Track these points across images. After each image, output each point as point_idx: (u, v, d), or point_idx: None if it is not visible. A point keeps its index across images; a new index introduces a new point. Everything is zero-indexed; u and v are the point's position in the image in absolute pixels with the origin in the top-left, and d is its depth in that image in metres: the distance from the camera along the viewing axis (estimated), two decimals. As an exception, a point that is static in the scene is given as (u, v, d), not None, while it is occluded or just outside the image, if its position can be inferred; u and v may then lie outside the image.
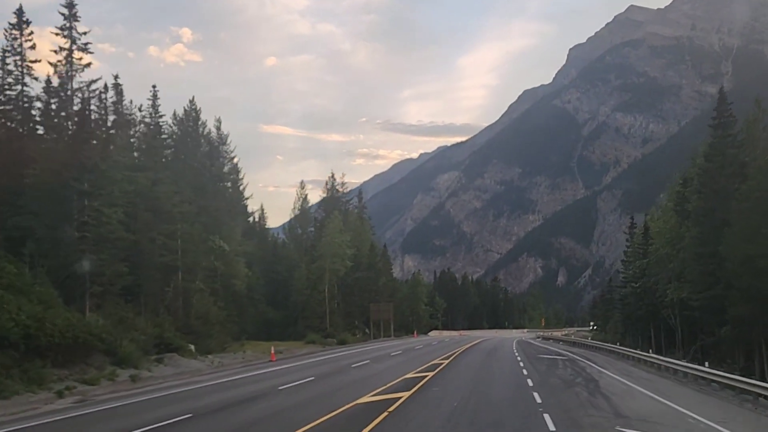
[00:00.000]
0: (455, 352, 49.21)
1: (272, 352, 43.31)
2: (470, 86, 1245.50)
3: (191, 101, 74.09)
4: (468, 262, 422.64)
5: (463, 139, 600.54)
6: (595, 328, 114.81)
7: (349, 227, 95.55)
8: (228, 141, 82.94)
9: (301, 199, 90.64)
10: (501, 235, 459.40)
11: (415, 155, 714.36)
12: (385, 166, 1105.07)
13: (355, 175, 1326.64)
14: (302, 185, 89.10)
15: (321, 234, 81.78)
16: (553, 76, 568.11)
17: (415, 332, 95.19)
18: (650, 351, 53.88)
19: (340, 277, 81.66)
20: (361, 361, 39.86)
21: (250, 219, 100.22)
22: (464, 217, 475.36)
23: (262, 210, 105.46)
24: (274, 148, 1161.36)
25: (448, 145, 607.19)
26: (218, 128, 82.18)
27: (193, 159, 70.28)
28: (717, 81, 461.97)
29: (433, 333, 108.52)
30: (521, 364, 39.57)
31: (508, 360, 43.45)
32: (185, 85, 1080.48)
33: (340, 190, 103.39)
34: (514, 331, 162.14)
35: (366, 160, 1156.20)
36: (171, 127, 70.93)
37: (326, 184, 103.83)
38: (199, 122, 74.52)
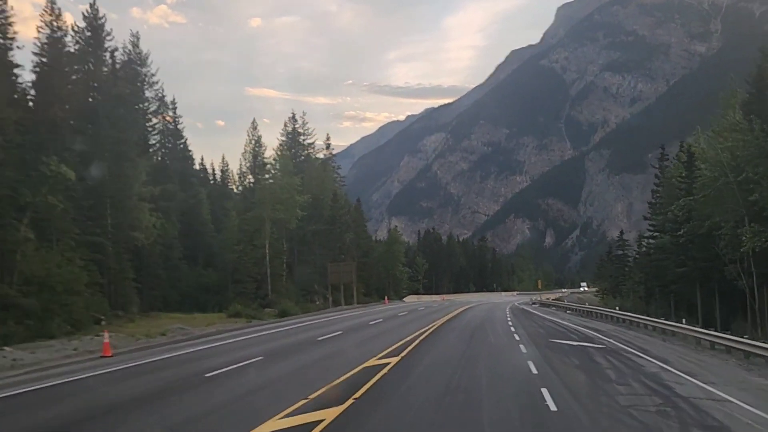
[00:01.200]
0: (420, 335, 31.04)
1: (105, 341, 24.98)
2: (457, 47, 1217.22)
3: (92, 4, 54.66)
4: (455, 224, 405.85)
5: (450, 100, 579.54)
6: (602, 294, 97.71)
7: (309, 175, 77.40)
8: (149, 62, 64.04)
9: (253, 142, 71.37)
10: (488, 196, 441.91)
11: (402, 117, 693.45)
12: (372, 128, 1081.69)
13: (342, 137, 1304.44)
14: (254, 125, 68.70)
15: (262, 177, 62.89)
16: (541, 35, 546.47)
17: (387, 298, 76.38)
18: (697, 325, 36.41)
19: (291, 230, 63.51)
20: (241, 362, 21.42)
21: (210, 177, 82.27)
22: (451, 178, 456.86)
23: (224, 166, 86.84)
24: (260, 111, 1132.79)
25: (435, 106, 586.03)
26: (135, 45, 63.19)
27: (91, 77, 51.51)
28: (706, 39, 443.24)
29: (410, 298, 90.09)
30: (533, 369, 20.28)
31: (505, 357, 24.01)
32: (170, 47, 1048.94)
33: (302, 131, 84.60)
34: (503, 294, 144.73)
35: (353, 122, 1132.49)
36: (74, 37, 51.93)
37: (285, 125, 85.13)
38: (104, 33, 55.28)
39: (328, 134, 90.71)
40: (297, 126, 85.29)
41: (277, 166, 62.59)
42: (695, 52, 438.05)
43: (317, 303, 66.58)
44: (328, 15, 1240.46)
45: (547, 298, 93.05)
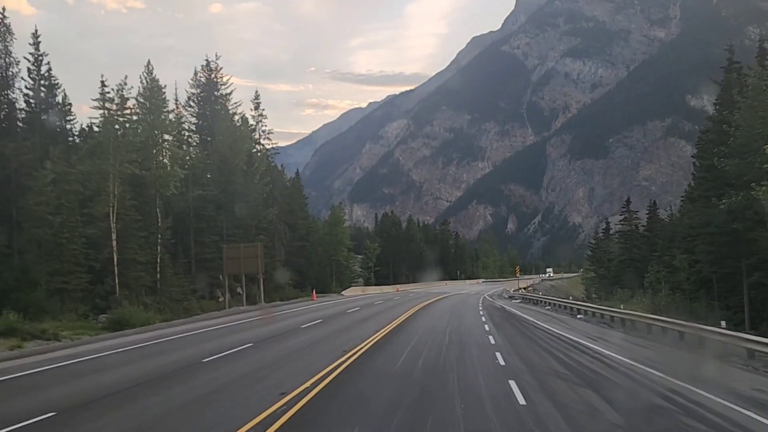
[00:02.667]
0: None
1: None
2: (419, 35, 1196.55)
3: None
4: (417, 210, 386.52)
5: (412, 87, 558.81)
6: (592, 287, 78.97)
7: (218, 131, 56.74)
8: None
9: (147, 80, 49.25)
10: (450, 182, 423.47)
11: (364, 105, 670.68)
12: (335, 116, 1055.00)
13: (305, 125, 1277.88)
14: (149, 67, 46.93)
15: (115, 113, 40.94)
16: (502, 22, 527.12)
17: (315, 293, 55.17)
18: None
19: (168, 199, 42.75)
20: None
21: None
22: (413, 165, 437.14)
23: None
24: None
25: (397, 93, 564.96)
26: None
27: None
28: (665, 25, 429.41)
29: (352, 291, 68.11)
30: None
31: None
32: (128, 33, 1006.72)
33: (217, 79, 63.50)
34: (467, 282, 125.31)
35: (315, 110, 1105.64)
36: None
37: (196, 73, 63.96)
38: None
39: (257, 92, 67.48)
40: (214, 76, 64.26)
41: (147, 105, 41.51)
42: (654, 38, 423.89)
43: (220, 300, 46.43)
44: (289, 1, 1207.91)
45: (526, 289, 73.72)
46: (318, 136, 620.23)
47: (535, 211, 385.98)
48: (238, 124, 62.36)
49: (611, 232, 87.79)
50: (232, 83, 63.98)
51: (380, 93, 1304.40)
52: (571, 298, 54.99)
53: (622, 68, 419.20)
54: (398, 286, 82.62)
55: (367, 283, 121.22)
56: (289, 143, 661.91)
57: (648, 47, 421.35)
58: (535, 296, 48.12)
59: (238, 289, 49.26)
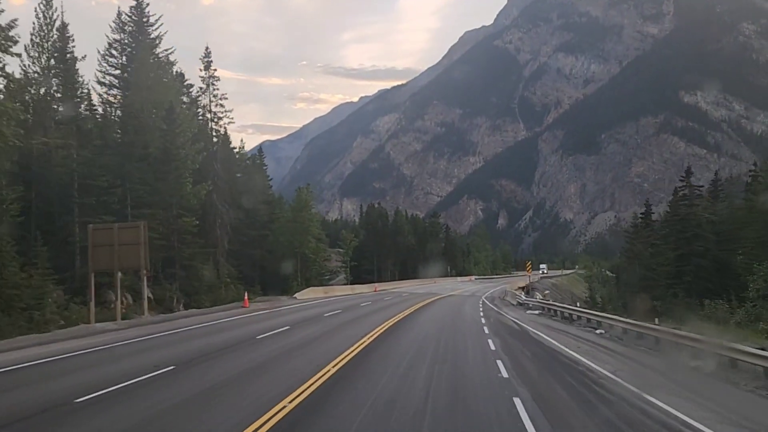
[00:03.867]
0: None
1: None
2: (411, 29, 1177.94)
3: None
4: (408, 205, 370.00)
5: (404, 82, 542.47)
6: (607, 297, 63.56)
7: (138, 76, 41.65)
8: None
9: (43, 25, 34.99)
10: (441, 177, 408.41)
11: (356, 99, 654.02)
12: (326, 110, 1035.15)
13: (296, 119, 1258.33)
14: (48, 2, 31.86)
15: None
16: (495, 16, 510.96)
17: (246, 298, 38.27)
18: None
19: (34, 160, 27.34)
20: None
21: None
22: (404, 159, 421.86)
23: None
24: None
25: (389, 88, 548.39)
26: None
27: None
28: (659, 21, 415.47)
29: (309, 293, 48.91)
30: None
31: None
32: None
33: (146, 20, 48.34)
34: (458, 279, 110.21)
35: (307, 104, 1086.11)
36: None
37: (120, 15, 48.69)
38: None
39: (207, 47, 51.78)
40: (143, 17, 49.06)
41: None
42: (648, 34, 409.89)
43: (112, 307, 31.34)
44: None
45: (519, 288, 58.64)
46: (309, 130, 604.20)
47: (526, 207, 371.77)
48: (166, 80, 46.83)
49: (653, 217, 70.75)
50: (161, 24, 48.45)
51: (372, 87, 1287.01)
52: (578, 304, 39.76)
53: (615, 64, 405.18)
54: (377, 284, 66.82)
55: (355, 283, 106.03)
56: (280, 137, 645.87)
57: (641, 43, 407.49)
58: (564, 307, 31.45)
59: (146, 289, 33.88)
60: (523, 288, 62.14)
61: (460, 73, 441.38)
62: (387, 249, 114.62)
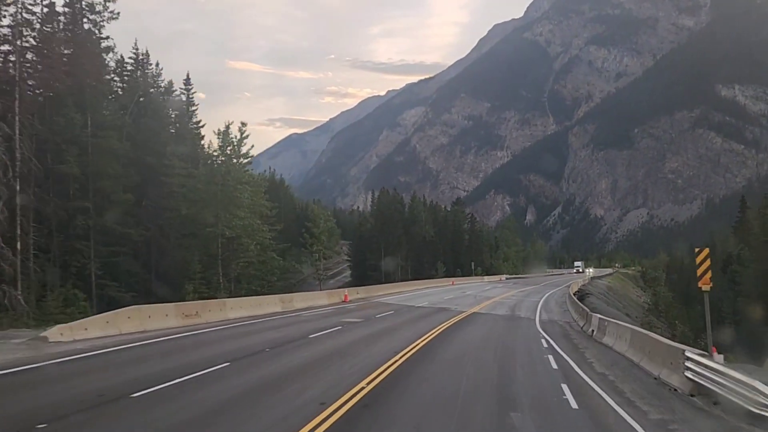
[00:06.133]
0: None
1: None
2: (441, 23, 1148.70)
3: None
4: (433, 200, 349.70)
5: (432, 75, 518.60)
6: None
7: None
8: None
9: None
10: (468, 171, 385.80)
11: (383, 93, 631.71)
12: (353, 104, 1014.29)
13: (323, 113, 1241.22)
14: None
15: None
16: (525, 9, 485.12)
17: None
18: None
19: None
20: None
21: None
22: (430, 153, 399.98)
23: None
24: (240, 84, 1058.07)
25: (416, 81, 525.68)
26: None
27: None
28: (695, 13, 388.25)
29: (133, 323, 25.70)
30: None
31: None
32: (146, 16, 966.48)
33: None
34: (486, 279, 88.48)
35: (335, 98, 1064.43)
36: None
37: None
38: None
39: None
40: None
41: None
42: (683, 27, 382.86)
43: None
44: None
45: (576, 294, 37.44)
46: (335, 123, 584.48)
47: (555, 203, 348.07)
48: None
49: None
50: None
51: (400, 82, 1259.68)
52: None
53: (649, 57, 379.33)
54: (360, 289, 42.64)
55: (358, 281, 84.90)
56: (306, 130, 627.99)
57: (676, 36, 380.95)
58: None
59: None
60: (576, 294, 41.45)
61: (489, 65, 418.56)
62: (400, 242, 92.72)
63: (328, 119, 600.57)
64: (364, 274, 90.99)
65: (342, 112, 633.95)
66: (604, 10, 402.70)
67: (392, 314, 27.65)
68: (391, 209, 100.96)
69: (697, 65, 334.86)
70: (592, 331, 20.88)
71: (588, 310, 23.59)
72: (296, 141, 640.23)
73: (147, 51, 42.32)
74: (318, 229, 56.21)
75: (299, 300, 29.77)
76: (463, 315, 28.34)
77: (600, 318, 20.23)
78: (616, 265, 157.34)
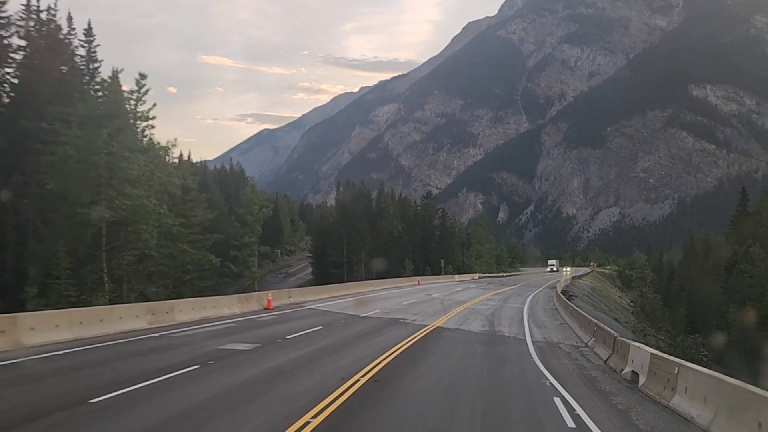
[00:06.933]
0: None
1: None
2: (414, 20, 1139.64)
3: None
4: (406, 196, 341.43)
5: (405, 73, 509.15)
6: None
7: None
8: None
9: None
10: (440, 169, 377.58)
11: (356, 90, 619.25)
12: (326, 101, 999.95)
13: (296, 109, 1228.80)
14: None
15: None
16: (499, 7, 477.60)
17: None
18: None
19: None
20: None
21: None
22: (403, 150, 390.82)
23: None
24: (213, 79, 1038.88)
25: (389, 78, 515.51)
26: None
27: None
28: (667, 14, 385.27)
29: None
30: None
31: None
32: (119, 9, 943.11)
33: None
34: (457, 278, 79.58)
35: (307, 94, 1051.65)
36: None
37: None
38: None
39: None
40: None
41: None
42: (656, 26, 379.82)
43: None
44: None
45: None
46: (307, 119, 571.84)
47: (527, 201, 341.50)
48: None
49: None
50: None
51: (373, 79, 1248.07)
52: None
53: (622, 57, 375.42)
54: (300, 290, 32.60)
55: (320, 279, 76.43)
56: (278, 126, 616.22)
57: (649, 36, 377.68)
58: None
59: None
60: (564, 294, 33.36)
61: (462, 63, 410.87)
62: (362, 236, 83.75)
63: (300, 115, 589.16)
64: (326, 272, 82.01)
65: (314, 108, 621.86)
66: (578, 9, 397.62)
67: (315, 333, 18.46)
68: (356, 203, 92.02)
69: (669, 65, 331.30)
70: (635, 374, 12.01)
71: (616, 334, 14.63)
72: (268, 137, 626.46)
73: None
74: (252, 217, 46.63)
75: (187, 309, 20.37)
76: (422, 333, 19.26)
77: (653, 354, 11.21)
78: (593, 264, 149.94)
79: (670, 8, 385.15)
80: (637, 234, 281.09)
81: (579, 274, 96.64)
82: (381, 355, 14.05)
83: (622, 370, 12.92)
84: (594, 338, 17.24)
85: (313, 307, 28.36)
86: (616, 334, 14.51)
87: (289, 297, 30.08)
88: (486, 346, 17.22)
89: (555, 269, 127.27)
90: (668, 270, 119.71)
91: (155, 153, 29.88)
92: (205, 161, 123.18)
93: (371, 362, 13.01)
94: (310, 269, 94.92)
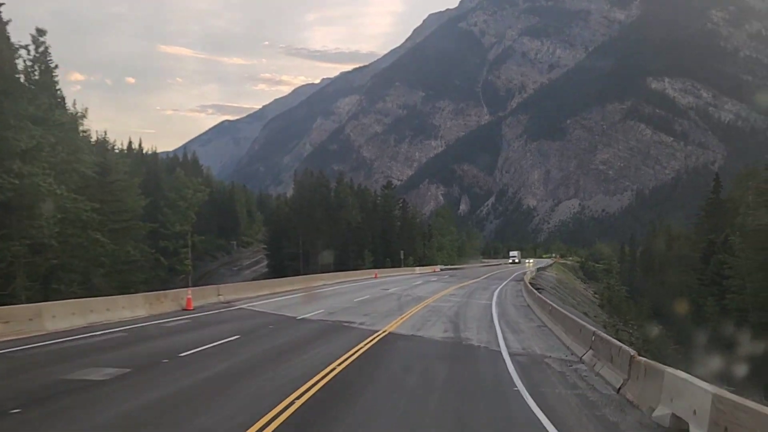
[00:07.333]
0: None
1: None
2: (376, 12, 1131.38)
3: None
4: (367, 187, 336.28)
5: (367, 64, 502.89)
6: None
7: None
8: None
9: None
10: (402, 160, 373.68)
11: (317, 81, 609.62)
12: (288, 92, 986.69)
13: (257, 100, 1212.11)
14: None
15: None
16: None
17: None
18: None
19: None
20: None
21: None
22: (364, 141, 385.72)
23: None
24: (172, 69, 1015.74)
25: (350, 70, 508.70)
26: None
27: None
28: (626, 7, 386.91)
29: None
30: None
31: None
32: None
33: None
34: (417, 270, 75.38)
35: (268, 85, 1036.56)
36: None
37: None
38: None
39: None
40: None
41: None
42: (615, 20, 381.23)
43: None
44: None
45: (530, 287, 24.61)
46: (268, 110, 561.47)
47: (488, 193, 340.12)
48: None
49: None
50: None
51: (335, 70, 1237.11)
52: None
53: (581, 49, 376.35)
54: (235, 286, 27.79)
55: (275, 272, 71.84)
56: (238, 117, 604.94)
57: (608, 29, 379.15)
58: None
59: None
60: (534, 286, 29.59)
61: (424, 55, 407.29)
62: (321, 226, 78.86)
63: (261, 106, 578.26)
64: (282, 264, 77.15)
65: (275, 100, 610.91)
66: (538, 1, 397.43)
67: (225, 347, 13.80)
68: (314, 192, 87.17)
69: (628, 58, 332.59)
70: (678, 421, 7.72)
71: (631, 351, 10.36)
72: (229, 128, 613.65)
73: None
74: (185, 202, 41.57)
75: (64, 313, 15.41)
76: (368, 344, 14.75)
77: (719, 397, 6.88)
78: (554, 255, 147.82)
79: (629, 1, 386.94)
80: (596, 225, 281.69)
81: (542, 265, 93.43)
82: (295, 390, 9.47)
83: (653, 409, 8.63)
84: (592, 351, 12.93)
85: (244, 306, 23.64)
86: (632, 352, 10.21)
87: (218, 294, 25.34)
88: (450, 366, 12.79)
89: (517, 261, 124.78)
90: (630, 261, 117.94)
91: (56, 123, 24.68)
92: (156, 151, 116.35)
93: (274, 407, 8.44)
94: (266, 262, 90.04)
